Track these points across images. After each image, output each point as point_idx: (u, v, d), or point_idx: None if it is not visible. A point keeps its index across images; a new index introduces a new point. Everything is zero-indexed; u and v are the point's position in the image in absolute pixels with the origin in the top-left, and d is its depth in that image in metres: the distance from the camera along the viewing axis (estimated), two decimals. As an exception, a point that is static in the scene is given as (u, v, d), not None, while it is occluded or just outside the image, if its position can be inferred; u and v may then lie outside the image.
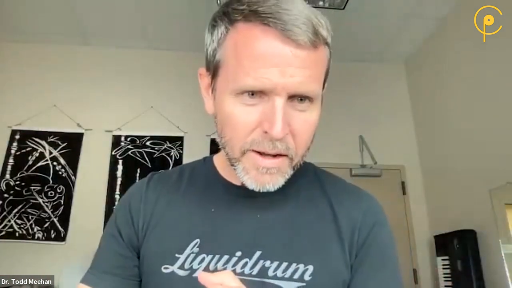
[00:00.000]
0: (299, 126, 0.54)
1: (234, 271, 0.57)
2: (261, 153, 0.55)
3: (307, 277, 0.57)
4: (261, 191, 0.57)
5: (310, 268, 0.58)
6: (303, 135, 0.56)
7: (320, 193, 0.66)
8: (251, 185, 0.57)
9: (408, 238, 3.10)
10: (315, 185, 0.68)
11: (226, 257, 0.58)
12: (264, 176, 0.56)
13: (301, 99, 0.54)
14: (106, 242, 0.66)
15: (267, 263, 0.58)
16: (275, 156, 0.55)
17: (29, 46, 3.29)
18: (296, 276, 0.57)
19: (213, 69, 0.58)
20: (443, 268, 2.72)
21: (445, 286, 2.68)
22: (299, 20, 0.50)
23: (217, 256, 0.58)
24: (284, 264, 0.58)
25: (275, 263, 0.58)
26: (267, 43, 0.51)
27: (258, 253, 0.58)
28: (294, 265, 0.58)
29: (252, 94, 0.53)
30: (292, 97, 0.53)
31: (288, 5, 0.51)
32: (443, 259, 2.74)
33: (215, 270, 0.58)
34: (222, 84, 0.56)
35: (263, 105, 0.53)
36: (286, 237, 0.60)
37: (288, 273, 0.57)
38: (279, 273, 0.57)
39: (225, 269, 0.58)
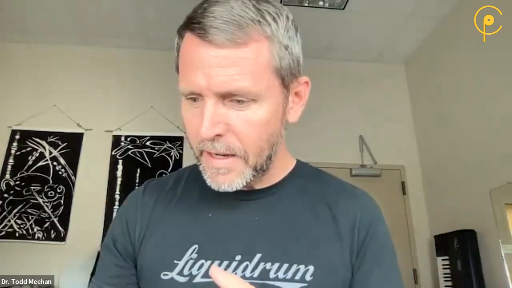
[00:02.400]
0: (240, 125, 0.54)
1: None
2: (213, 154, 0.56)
3: (308, 277, 0.57)
4: (220, 191, 0.57)
5: (311, 268, 0.58)
6: (247, 134, 0.54)
7: (316, 192, 0.67)
8: (210, 184, 0.58)
9: (408, 238, 3.10)
10: (311, 185, 0.68)
11: (226, 262, 0.58)
12: (218, 176, 0.57)
13: (238, 100, 0.53)
14: (104, 253, 0.68)
15: (268, 265, 0.58)
16: (225, 156, 0.56)
17: (29, 46, 3.29)
18: (297, 277, 0.57)
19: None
20: (443, 268, 2.72)
21: (445, 286, 2.68)
22: (219, 20, 0.51)
23: (216, 262, 0.58)
24: (285, 266, 0.58)
25: (276, 265, 0.58)
26: (190, 49, 0.54)
27: (258, 256, 0.58)
28: (295, 266, 0.58)
29: (195, 100, 0.55)
30: (229, 97, 0.53)
31: (216, 6, 0.52)
32: (443, 259, 2.74)
33: None
34: None
35: (202, 108, 0.55)
36: (285, 239, 0.60)
37: (289, 274, 0.57)
38: (280, 274, 0.57)
39: None
